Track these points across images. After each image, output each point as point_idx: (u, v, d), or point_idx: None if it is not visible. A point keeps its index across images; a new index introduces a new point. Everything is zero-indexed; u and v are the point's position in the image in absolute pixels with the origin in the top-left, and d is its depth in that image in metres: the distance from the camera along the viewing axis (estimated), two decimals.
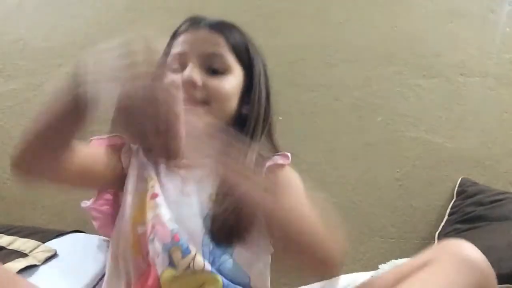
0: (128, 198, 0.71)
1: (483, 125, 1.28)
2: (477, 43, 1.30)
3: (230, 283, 0.65)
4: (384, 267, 1.12)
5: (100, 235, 0.90)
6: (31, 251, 1.00)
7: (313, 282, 0.89)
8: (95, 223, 0.79)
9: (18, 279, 0.61)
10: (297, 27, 1.27)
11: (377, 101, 1.29)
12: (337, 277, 0.88)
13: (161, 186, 0.71)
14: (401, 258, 1.20)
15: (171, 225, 0.66)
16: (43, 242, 1.05)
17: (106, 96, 0.49)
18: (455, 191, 1.24)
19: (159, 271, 0.64)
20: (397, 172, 1.27)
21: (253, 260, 0.70)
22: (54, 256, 1.00)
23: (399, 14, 1.32)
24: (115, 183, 0.75)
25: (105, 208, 0.77)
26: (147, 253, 0.66)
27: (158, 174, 0.73)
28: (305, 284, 0.93)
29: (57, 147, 0.59)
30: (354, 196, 1.28)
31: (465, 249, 0.56)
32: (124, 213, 0.71)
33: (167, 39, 0.80)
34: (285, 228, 0.62)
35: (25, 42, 1.29)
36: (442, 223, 1.19)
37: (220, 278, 0.65)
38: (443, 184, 1.27)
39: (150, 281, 0.64)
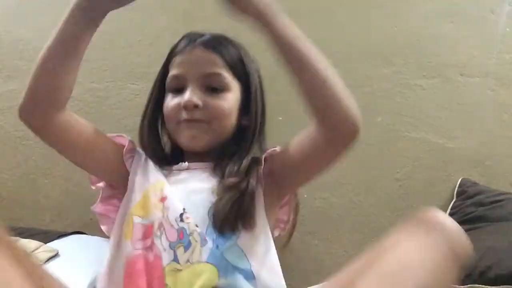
0: (137, 196, 0.78)
1: (483, 125, 1.28)
2: (477, 43, 1.30)
3: (228, 270, 0.69)
4: None
5: (101, 236, 0.91)
6: (33, 252, 1.00)
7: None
8: (104, 227, 0.84)
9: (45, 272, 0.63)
10: (297, 28, 1.27)
11: (377, 101, 1.29)
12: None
13: (169, 187, 0.77)
14: None
15: (177, 225, 0.72)
16: (45, 243, 1.06)
17: None
18: (455, 192, 1.24)
19: (164, 264, 0.70)
20: (397, 172, 1.27)
21: (254, 245, 0.74)
22: (55, 256, 1.01)
23: (399, 14, 1.32)
24: (114, 175, 0.82)
25: (113, 214, 0.82)
26: (138, 239, 0.73)
27: (165, 176, 0.80)
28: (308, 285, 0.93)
29: (65, 68, 0.70)
30: (354, 196, 1.28)
31: (432, 213, 0.58)
32: (127, 208, 0.77)
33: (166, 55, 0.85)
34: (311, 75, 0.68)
35: (25, 42, 1.29)
36: None
37: (215, 267, 0.70)
38: (443, 184, 1.27)
39: (157, 273, 0.70)
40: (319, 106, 0.69)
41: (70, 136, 0.75)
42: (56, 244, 1.07)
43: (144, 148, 0.84)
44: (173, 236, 0.72)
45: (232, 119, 0.82)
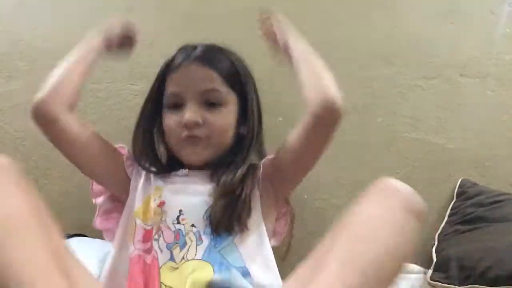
0: (139, 202, 0.82)
1: (483, 126, 1.28)
2: (477, 44, 1.30)
3: (224, 267, 0.72)
4: None
5: (102, 238, 0.93)
6: None
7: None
8: (107, 237, 0.89)
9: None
10: (297, 28, 1.27)
11: (377, 102, 1.29)
12: None
13: (167, 192, 0.81)
14: None
15: (174, 227, 0.76)
16: None
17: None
18: (455, 192, 1.24)
19: (161, 264, 0.74)
20: (397, 173, 1.27)
21: (250, 245, 0.77)
22: None
23: (399, 14, 1.32)
24: (116, 181, 0.86)
25: (116, 227, 0.86)
26: (139, 241, 0.77)
27: (165, 182, 0.84)
28: None
29: (78, 77, 0.81)
30: (354, 197, 1.27)
31: (386, 181, 0.64)
32: (131, 211, 0.82)
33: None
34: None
35: (25, 42, 1.28)
36: (442, 224, 1.19)
37: (210, 264, 0.73)
38: (443, 185, 1.27)
39: (153, 273, 0.73)
40: (305, 87, 0.77)
41: (75, 135, 0.80)
42: None
43: (137, 156, 0.87)
44: (170, 238, 0.76)
45: (230, 132, 0.86)
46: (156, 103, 0.88)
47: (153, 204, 0.80)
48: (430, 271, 1.01)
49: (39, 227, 0.57)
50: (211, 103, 0.83)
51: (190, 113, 0.81)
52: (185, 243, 0.75)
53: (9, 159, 0.63)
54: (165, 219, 0.78)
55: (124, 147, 0.89)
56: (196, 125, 0.81)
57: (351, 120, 1.28)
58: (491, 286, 0.87)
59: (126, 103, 1.28)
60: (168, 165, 0.89)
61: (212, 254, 0.74)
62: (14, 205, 0.57)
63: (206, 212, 0.77)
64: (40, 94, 0.78)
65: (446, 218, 1.20)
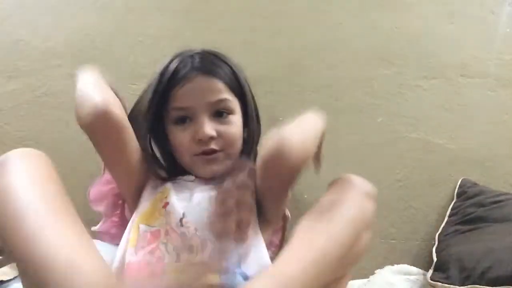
0: (146, 205, 0.81)
1: (483, 126, 1.28)
2: (477, 44, 1.30)
3: (227, 271, 0.72)
4: (380, 272, 1.12)
5: (102, 240, 0.94)
6: None
7: None
8: (105, 239, 0.89)
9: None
10: (298, 28, 1.27)
11: (377, 102, 1.29)
12: None
13: (173, 194, 0.81)
14: (401, 259, 1.20)
15: (179, 230, 0.76)
16: None
17: None
18: (456, 192, 1.24)
19: (165, 266, 0.73)
20: (397, 173, 1.27)
21: (250, 250, 0.76)
22: None
23: (399, 15, 1.32)
24: (132, 183, 0.84)
25: (113, 230, 0.87)
26: (142, 246, 0.75)
27: (172, 184, 0.83)
28: None
29: None
30: None
31: (345, 176, 0.78)
32: (136, 214, 0.81)
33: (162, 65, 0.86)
34: None
35: (25, 42, 1.28)
36: (443, 224, 1.19)
37: (215, 267, 0.72)
38: (444, 185, 1.27)
39: (158, 275, 0.73)
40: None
41: (135, 142, 0.80)
42: None
43: (151, 165, 0.87)
44: (176, 241, 0.75)
45: (241, 139, 0.86)
46: (156, 116, 0.84)
47: (159, 205, 0.80)
48: (430, 271, 1.01)
49: (74, 214, 0.62)
50: (220, 113, 0.82)
51: (206, 128, 0.79)
52: (191, 247, 0.75)
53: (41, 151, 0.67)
54: (169, 221, 0.77)
55: None
56: (211, 139, 0.80)
57: (351, 120, 1.28)
58: (491, 286, 0.87)
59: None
60: (174, 170, 0.88)
61: (216, 258, 0.74)
62: (53, 189, 0.63)
63: (208, 217, 0.77)
64: (100, 99, 0.72)
65: (446, 218, 1.20)
